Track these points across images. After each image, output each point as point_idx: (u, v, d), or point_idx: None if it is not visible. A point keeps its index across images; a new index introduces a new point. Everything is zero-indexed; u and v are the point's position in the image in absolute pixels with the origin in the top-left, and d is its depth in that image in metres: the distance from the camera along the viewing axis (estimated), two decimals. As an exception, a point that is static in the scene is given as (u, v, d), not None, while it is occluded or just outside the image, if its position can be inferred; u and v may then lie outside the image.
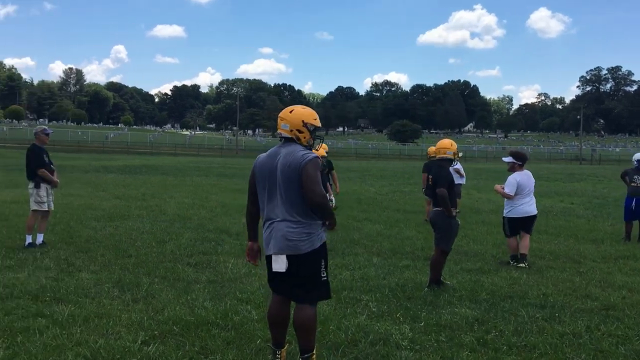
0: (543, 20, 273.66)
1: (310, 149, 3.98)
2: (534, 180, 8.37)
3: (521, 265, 7.98)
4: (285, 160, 3.84)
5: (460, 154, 7.18)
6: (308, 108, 4.03)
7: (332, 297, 6.05)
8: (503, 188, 8.27)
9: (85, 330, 4.76)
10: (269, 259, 3.93)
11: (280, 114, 3.99)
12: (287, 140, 3.96)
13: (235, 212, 13.13)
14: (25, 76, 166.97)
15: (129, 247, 8.52)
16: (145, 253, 8.14)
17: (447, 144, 6.85)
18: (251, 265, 7.46)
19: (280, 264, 3.84)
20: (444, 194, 6.49)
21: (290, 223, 3.81)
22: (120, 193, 17.15)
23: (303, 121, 3.92)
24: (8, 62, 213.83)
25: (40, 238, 8.51)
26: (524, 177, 8.21)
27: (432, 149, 13.60)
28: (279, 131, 3.98)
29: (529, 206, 8.22)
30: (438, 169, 6.76)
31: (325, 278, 3.92)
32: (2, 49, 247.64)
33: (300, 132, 3.92)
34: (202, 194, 17.70)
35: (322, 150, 11.42)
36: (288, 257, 3.82)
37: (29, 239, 8.39)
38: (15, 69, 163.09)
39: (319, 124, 3.99)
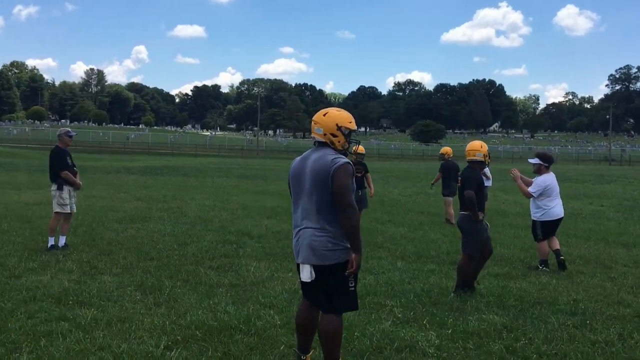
0: (570, 17, 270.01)
1: (346, 154, 3.91)
2: None
3: (560, 263, 8.02)
4: (315, 165, 3.78)
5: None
6: (343, 111, 3.94)
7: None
8: (523, 181, 8.19)
9: (108, 335, 4.80)
10: (298, 267, 3.94)
11: (314, 118, 3.92)
12: (321, 145, 3.89)
13: (257, 215, 13.17)
14: (47, 77, 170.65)
15: (151, 250, 8.60)
16: (167, 256, 8.20)
17: (477, 146, 6.74)
18: (273, 269, 7.50)
19: (305, 273, 3.82)
20: (472, 197, 6.40)
21: (315, 231, 3.76)
22: (141, 194, 17.34)
23: (337, 124, 3.83)
24: (30, 63, 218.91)
25: (62, 240, 8.63)
26: (553, 180, 8.14)
27: (446, 149, 13.45)
28: (312, 135, 3.90)
29: (560, 208, 8.23)
30: (468, 170, 6.66)
31: (352, 288, 3.85)
32: (25, 50, 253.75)
33: (334, 135, 3.84)
34: (223, 196, 17.80)
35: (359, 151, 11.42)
36: (315, 267, 3.78)
37: (51, 241, 8.52)
38: (37, 69, 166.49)
39: (355, 127, 3.90)
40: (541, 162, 8.15)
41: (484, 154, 6.71)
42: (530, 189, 8.10)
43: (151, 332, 4.89)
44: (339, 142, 3.85)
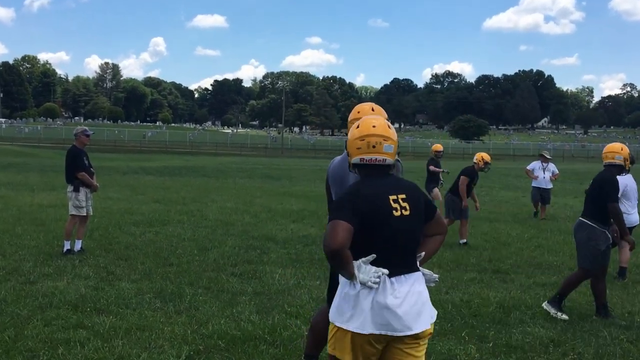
0: (628, 1, 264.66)
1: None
2: None
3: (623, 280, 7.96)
4: None
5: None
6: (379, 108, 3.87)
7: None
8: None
9: (127, 343, 4.96)
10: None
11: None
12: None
13: (282, 218, 13.31)
14: (59, 72, 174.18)
15: (170, 255, 8.79)
16: (187, 261, 8.38)
17: (617, 148, 6.48)
18: (300, 276, 7.60)
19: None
20: (617, 210, 6.15)
21: None
22: (159, 196, 17.65)
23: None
24: (42, 57, 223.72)
25: (78, 244, 8.86)
26: (632, 181, 8.05)
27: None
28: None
29: (636, 215, 8.27)
30: (608, 177, 6.34)
31: None
32: (36, 43, 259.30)
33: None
34: (246, 198, 18.01)
35: (488, 157, 11.23)
36: None
37: (67, 245, 8.76)
38: (50, 64, 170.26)
39: None
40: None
41: (624, 157, 6.44)
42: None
43: (172, 342, 5.03)
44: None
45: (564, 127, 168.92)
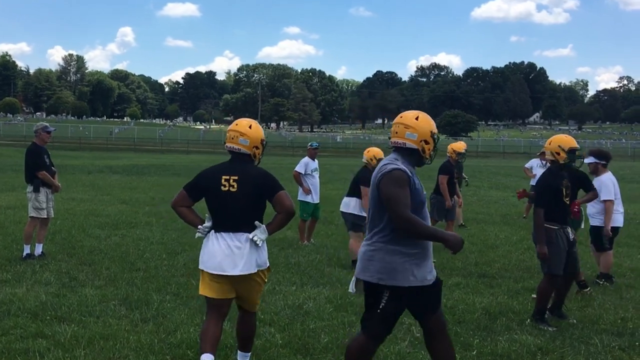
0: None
1: (430, 161, 4.11)
2: None
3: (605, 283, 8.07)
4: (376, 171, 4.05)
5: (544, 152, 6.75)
6: (427, 115, 4.14)
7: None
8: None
9: (90, 354, 4.95)
10: None
11: (404, 121, 4.07)
12: (400, 150, 4.07)
13: (258, 220, 13.28)
14: (20, 64, 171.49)
15: (137, 260, 8.76)
16: (155, 266, 8.36)
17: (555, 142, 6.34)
18: (275, 282, 7.63)
19: (351, 283, 4.14)
20: (538, 216, 6.18)
21: (366, 241, 4.08)
22: (126, 197, 17.57)
23: (432, 131, 4.05)
24: (1, 48, 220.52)
25: (39, 248, 8.80)
26: (615, 179, 8.19)
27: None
28: (396, 139, 4.07)
29: (622, 215, 8.38)
30: (543, 175, 6.47)
31: (380, 310, 3.98)
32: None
33: (426, 142, 4.03)
34: (220, 198, 17.94)
35: (459, 146, 10.99)
36: (358, 280, 4.08)
37: (26, 250, 8.69)
38: (10, 56, 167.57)
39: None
40: (597, 161, 8.14)
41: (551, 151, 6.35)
42: (604, 196, 7.92)
43: (137, 352, 5.03)
44: (429, 149, 4.06)
45: (557, 122, 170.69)
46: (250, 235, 4.37)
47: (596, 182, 8.07)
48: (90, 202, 15.91)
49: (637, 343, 5.61)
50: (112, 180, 24.17)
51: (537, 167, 15.09)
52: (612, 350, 5.42)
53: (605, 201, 7.93)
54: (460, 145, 11.36)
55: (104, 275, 7.79)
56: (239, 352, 4.70)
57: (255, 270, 4.39)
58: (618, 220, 8.26)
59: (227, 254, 4.33)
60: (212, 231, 4.45)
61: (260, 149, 4.59)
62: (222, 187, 4.44)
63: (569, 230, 6.38)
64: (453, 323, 6.09)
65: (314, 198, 10.76)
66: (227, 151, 4.60)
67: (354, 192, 8.99)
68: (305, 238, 10.71)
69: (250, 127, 4.55)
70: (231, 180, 4.44)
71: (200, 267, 4.46)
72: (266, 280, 4.66)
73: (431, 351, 4.10)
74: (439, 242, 3.89)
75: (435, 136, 4.07)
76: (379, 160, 9.09)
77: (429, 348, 4.11)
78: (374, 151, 9.10)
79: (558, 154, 6.20)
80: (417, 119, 4.06)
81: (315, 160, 11.00)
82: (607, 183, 8.03)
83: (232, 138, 4.54)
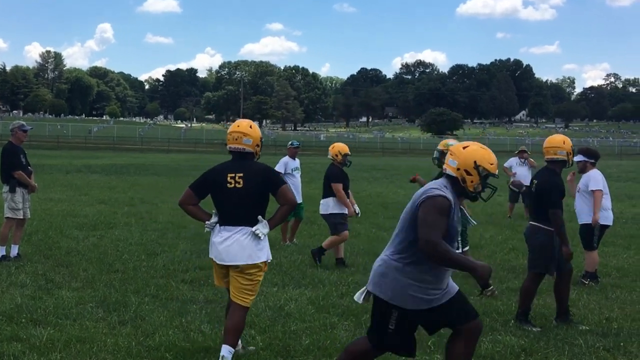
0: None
1: (476, 198, 4.06)
2: None
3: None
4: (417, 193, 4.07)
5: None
6: (487, 149, 4.08)
7: (352, 321, 6.15)
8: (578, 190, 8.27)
9: (66, 357, 4.93)
10: None
11: (451, 148, 4.14)
12: (447, 177, 4.06)
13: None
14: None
15: (115, 261, 8.73)
16: (133, 267, 8.34)
17: (558, 142, 6.41)
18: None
19: (360, 294, 4.17)
20: (559, 217, 6.12)
21: (384, 254, 4.12)
22: (105, 197, 17.47)
23: (476, 162, 3.95)
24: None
25: (14, 250, 8.74)
26: (603, 176, 8.30)
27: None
28: (445, 167, 4.10)
29: (612, 213, 8.52)
30: (547, 174, 6.38)
31: (391, 330, 4.03)
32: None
33: (468, 173, 3.95)
34: (201, 198, 17.89)
35: (340, 148, 11.02)
36: (368, 292, 4.13)
37: (2, 251, 8.64)
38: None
39: (495, 172, 4.01)
40: (586, 159, 8.18)
41: (567, 152, 6.38)
42: (593, 186, 8.03)
43: (115, 355, 5.02)
44: (472, 182, 3.98)
45: (544, 120, 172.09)
46: (253, 229, 4.77)
47: (584, 177, 8.20)
48: (68, 203, 15.81)
49: (621, 343, 5.67)
50: (91, 180, 24.02)
51: (516, 166, 15.20)
52: (597, 351, 5.47)
53: (594, 191, 8.03)
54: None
55: (81, 277, 7.75)
56: (223, 345, 4.75)
57: (248, 262, 4.78)
58: (608, 218, 8.35)
59: (227, 245, 4.78)
60: (218, 225, 4.89)
61: (260, 146, 5.09)
62: (228, 184, 4.86)
63: None
64: (436, 324, 6.10)
65: (297, 198, 10.73)
66: (229, 152, 5.01)
67: (329, 192, 8.96)
68: (288, 238, 10.72)
69: (250, 127, 5.03)
70: (237, 177, 4.87)
71: (210, 255, 5.01)
72: (262, 274, 4.99)
73: (449, 352, 4.13)
74: (466, 272, 3.83)
75: (481, 169, 3.95)
76: (345, 155, 9.11)
77: (450, 348, 4.12)
78: (339, 146, 9.16)
79: (570, 154, 6.37)
80: (464, 147, 4.04)
81: (297, 159, 10.98)
82: (595, 175, 8.14)
83: (236, 139, 4.97)
